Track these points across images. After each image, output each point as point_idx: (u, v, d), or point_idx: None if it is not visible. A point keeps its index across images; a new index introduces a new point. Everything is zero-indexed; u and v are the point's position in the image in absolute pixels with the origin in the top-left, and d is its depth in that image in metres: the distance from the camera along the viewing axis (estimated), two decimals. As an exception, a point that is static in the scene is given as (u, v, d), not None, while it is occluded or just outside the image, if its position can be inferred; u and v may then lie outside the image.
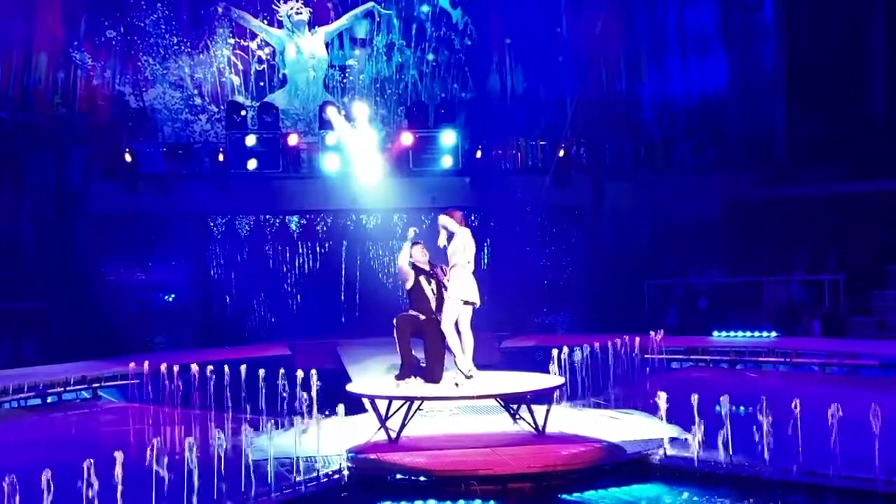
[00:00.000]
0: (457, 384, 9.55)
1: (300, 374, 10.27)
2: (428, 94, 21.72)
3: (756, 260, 18.14)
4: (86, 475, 6.53)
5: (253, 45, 21.46)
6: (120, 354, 14.83)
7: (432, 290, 9.79)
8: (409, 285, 9.90)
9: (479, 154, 19.34)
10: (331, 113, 19.03)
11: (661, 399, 9.01)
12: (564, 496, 7.94)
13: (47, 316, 17.23)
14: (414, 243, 9.93)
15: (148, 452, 7.05)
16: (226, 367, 11.57)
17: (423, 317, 9.75)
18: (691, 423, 8.34)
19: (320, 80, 21.41)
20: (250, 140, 18.89)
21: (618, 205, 19.68)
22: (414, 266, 9.87)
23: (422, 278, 9.82)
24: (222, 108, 20.59)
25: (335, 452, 8.71)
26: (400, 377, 9.80)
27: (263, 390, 10.70)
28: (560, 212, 19.85)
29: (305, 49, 21.24)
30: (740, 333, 15.95)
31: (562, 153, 19.48)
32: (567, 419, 10.12)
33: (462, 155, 19.42)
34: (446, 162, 19.27)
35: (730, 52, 20.84)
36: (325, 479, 8.18)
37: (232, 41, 21.34)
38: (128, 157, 18.42)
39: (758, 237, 18.43)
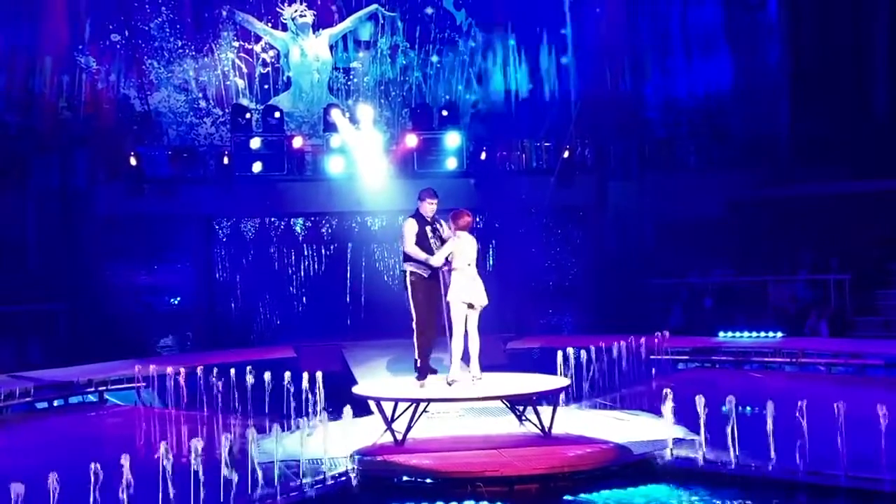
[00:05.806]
0: (449, 383, 9.57)
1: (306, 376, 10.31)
2: (432, 95, 21.71)
3: (760, 259, 18.12)
4: (93, 478, 6.55)
5: (257, 47, 21.44)
6: (125, 357, 14.86)
7: (435, 243, 9.92)
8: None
9: (483, 155, 19.31)
10: (335, 115, 19.03)
11: (667, 400, 9.00)
12: (571, 497, 7.94)
13: (52, 318, 17.26)
14: (432, 195, 10.07)
15: (154, 456, 7.07)
16: (232, 370, 11.59)
17: (426, 275, 9.90)
18: (698, 423, 8.34)
19: (324, 83, 21.42)
20: (255, 143, 18.89)
21: (622, 205, 19.66)
22: (419, 216, 10.07)
23: (427, 228, 10.01)
24: (227, 110, 20.56)
25: (342, 454, 8.72)
26: (421, 377, 9.92)
27: (269, 392, 10.71)
28: (565, 212, 19.82)
29: (310, 52, 21.25)
30: (746, 333, 15.89)
31: (566, 154, 19.45)
32: (573, 420, 10.10)
33: (466, 156, 19.38)
34: (451, 164, 19.24)
35: (734, 52, 20.81)
36: (332, 482, 8.19)
37: (236, 44, 21.31)
38: (132, 161, 18.44)
39: (762, 236, 18.40)
